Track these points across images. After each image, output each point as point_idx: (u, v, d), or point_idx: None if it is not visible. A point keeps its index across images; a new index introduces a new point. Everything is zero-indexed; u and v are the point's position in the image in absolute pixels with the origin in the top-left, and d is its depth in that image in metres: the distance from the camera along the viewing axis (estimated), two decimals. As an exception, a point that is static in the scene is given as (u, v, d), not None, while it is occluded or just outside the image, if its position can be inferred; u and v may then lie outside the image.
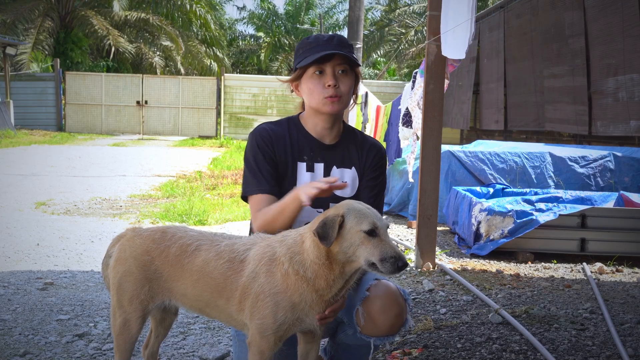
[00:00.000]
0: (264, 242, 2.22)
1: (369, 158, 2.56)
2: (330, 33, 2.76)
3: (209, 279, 2.23)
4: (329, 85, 2.39)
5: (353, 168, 2.55)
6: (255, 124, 24.37)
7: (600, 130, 6.12)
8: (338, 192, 2.50)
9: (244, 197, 2.53)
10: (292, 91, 2.55)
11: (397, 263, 1.96)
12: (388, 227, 2.08)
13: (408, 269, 5.19)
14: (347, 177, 2.53)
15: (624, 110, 5.68)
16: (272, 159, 2.46)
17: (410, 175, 6.94)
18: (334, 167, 2.52)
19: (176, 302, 2.36)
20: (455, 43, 4.73)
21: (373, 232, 2.01)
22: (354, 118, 10.67)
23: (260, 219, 2.39)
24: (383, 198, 2.61)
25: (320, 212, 2.42)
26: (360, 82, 2.55)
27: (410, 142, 6.83)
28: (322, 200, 2.46)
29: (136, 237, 2.38)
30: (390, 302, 2.38)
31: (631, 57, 5.61)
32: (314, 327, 2.19)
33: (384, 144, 8.31)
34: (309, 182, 2.44)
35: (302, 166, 2.49)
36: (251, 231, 2.63)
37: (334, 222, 2.02)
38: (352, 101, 2.50)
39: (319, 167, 2.51)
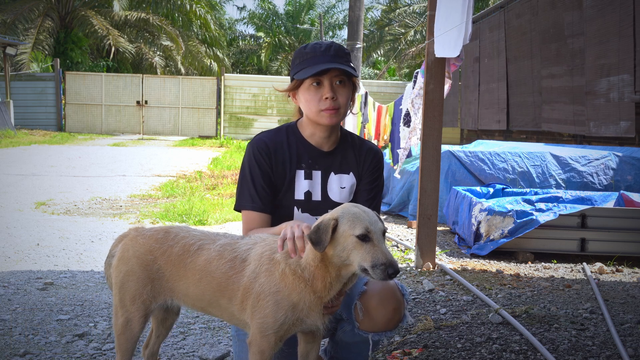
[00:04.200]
0: (264, 242, 2.23)
1: (366, 162, 2.58)
2: (327, 40, 2.73)
3: (211, 279, 2.23)
4: (327, 98, 2.39)
5: (351, 173, 2.56)
6: (256, 124, 24.34)
7: (593, 131, 6.14)
8: (335, 198, 2.52)
9: (238, 209, 2.56)
10: (288, 96, 2.56)
11: (387, 270, 1.95)
12: (385, 232, 2.07)
13: (408, 269, 5.20)
14: (345, 182, 2.55)
15: (615, 110, 5.69)
16: (268, 173, 2.48)
17: (397, 171, 6.99)
18: (332, 174, 2.54)
19: (179, 301, 2.36)
20: (448, 41, 4.73)
21: (366, 237, 2.00)
22: (354, 119, 10.69)
23: None
24: (380, 200, 2.63)
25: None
26: (357, 91, 2.55)
27: (404, 140, 6.86)
28: (322, 207, 2.47)
29: (139, 237, 2.38)
30: (387, 297, 2.38)
31: (624, 57, 5.62)
32: (315, 327, 2.20)
33: (390, 145, 8.32)
34: (300, 213, 2.50)
35: (300, 174, 2.51)
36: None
37: (327, 227, 2.02)
38: (349, 110, 2.51)
39: (317, 174, 2.52)
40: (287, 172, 2.49)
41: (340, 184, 2.54)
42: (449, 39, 4.70)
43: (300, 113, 2.57)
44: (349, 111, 2.50)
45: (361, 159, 2.58)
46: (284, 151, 2.50)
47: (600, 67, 6.15)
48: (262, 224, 2.48)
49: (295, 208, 2.51)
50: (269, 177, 2.48)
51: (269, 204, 2.49)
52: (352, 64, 2.46)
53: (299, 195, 2.51)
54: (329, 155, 2.54)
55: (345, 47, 2.47)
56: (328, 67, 2.36)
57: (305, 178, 2.51)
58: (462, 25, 4.49)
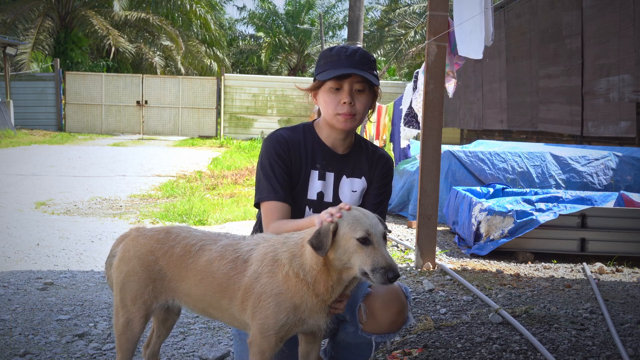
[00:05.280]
0: (267, 242, 2.23)
1: (378, 168, 2.59)
2: (354, 46, 2.73)
3: (212, 279, 2.23)
4: (344, 103, 2.39)
5: (363, 178, 2.58)
6: (256, 124, 24.23)
7: (592, 131, 6.13)
8: (346, 201, 2.53)
9: (257, 204, 2.51)
10: (309, 95, 2.56)
11: (387, 274, 1.96)
12: (386, 235, 2.07)
13: (408, 269, 5.20)
14: (356, 186, 2.56)
15: (615, 110, 5.68)
16: (287, 166, 2.47)
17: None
18: (344, 177, 2.55)
19: (180, 302, 2.36)
20: (472, 42, 4.70)
21: (366, 240, 2.00)
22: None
23: (273, 231, 2.38)
24: (386, 206, 2.65)
25: None
26: (379, 99, 2.55)
27: (417, 142, 6.83)
28: (327, 207, 2.48)
29: (140, 237, 2.38)
30: (392, 299, 2.39)
31: (625, 57, 5.61)
32: (317, 328, 2.20)
33: (390, 145, 8.32)
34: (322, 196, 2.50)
35: (314, 174, 2.52)
36: (254, 231, 2.64)
37: (328, 231, 2.02)
38: (366, 117, 2.51)
39: (330, 176, 2.53)
40: (302, 170, 2.50)
41: (352, 188, 2.55)
42: (473, 40, 4.68)
43: (319, 114, 2.58)
44: (366, 118, 2.51)
45: (373, 165, 2.59)
46: (300, 150, 2.51)
47: (600, 67, 6.15)
48: (283, 214, 2.43)
49: (307, 207, 2.52)
50: (288, 168, 2.47)
51: (290, 194, 2.46)
52: (376, 72, 2.47)
53: (312, 195, 2.52)
54: (343, 158, 2.56)
55: (371, 54, 2.47)
56: (349, 72, 2.37)
57: (319, 179, 2.52)
58: (481, 26, 4.47)
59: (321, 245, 2.01)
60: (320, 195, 2.52)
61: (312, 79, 2.53)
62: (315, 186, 2.52)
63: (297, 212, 2.50)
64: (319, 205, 2.51)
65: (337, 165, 2.54)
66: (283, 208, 2.43)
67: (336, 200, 2.52)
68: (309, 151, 2.52)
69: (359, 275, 2.03)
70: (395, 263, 1.99)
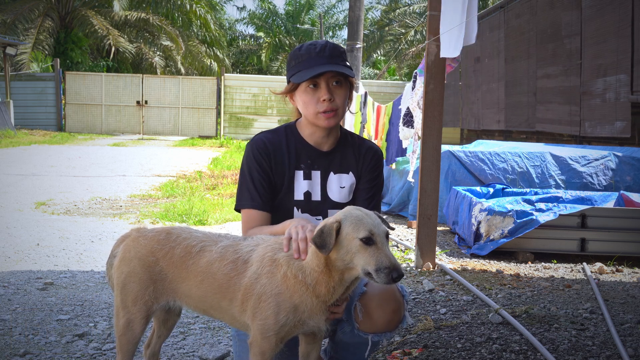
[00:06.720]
0: (266, 243, 2.23)
1: (366, 161, 2.58)
2: (322, 40, 2.72)
3: (212, 280, 2.23)
4: (324, 100, 2.38)
5: (350, 173, 2.56)
6: (256, 124, 24.28)
7: (588, 131, 6.15)
8: (335, 198, 2.52)
9: (237, 209, 2.55)
10: (286, 97, 2.55)
11: (391, 274, 1.95)
12: (388, 234, 2.07)
13: (408, 269, 5.20)
14: (344, 181, 2.55)
15: (611, 110, 5.70)
16: (267, 172, 2.47)
17: (410, 174, 6.93)
18: (331, 173, 2.53)
19: (180, 302, 2.36)
20: (449, 41, 4.72)
21: (370, 240, 2.00)
22: (352, 119, 10.68)
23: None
24: (380, 199, 2.63)
25: (320, 220, 2.44)
26: (354, 90, 2.55)
27: (411, 142, 6.83)
28: (321, 207, 2.47)
29: (141, 238, 2.38)
30: (387, 298, 2.38)
31: (622, 57, 5.62)
32: (317, 329, 2.20)
33: (385, 144, 8.31)
34: (300, 216, 2.48)
35: (299, 174, 2.51)
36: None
37: (331, 230, 2.02)
38: (346, 109, 2.50)
39: (316, 174, 2.52)
40: (286, 172, 2.50)
41: (340, 184, 2.54)
42: (451, 39, 4.70)
43: (299, 113, 2.57)
44: (347, 110, 2.50)
45: (360, 158, 2.57)
46: (282, 152, 2.50)
47: (597, 67, 6.16)
48: (262, 223, 2.47)
49: (295, 209, 2.51)
50: (269, 176, 2.48)
51: (269, 202, 2.49)
52: (347, 62, 2.46)
53: (299, 195, 2.51)
54: (328, 155, 2.54)
55: (339, 45, 2.46)
56: (324, 70, 2.35)
57: (305, 178, 2.51)
58: (462, 25, 4.48)
59: (324, 243, 2.01)
60: (308, 194, 2.51)
61: (286, 81, 2.50)
62: (301, 186, 2.51)
63: (285, 214, 2.50)
64: (307, 205, 2.51)
65: (323, 163, 2.52)
66: (260, 216, 2.46)
67: (324, 198, 2.52)
68: (292, 152, 2.50)
69: (362, 275, 2.03)
70: (399, 263, 1.99)
